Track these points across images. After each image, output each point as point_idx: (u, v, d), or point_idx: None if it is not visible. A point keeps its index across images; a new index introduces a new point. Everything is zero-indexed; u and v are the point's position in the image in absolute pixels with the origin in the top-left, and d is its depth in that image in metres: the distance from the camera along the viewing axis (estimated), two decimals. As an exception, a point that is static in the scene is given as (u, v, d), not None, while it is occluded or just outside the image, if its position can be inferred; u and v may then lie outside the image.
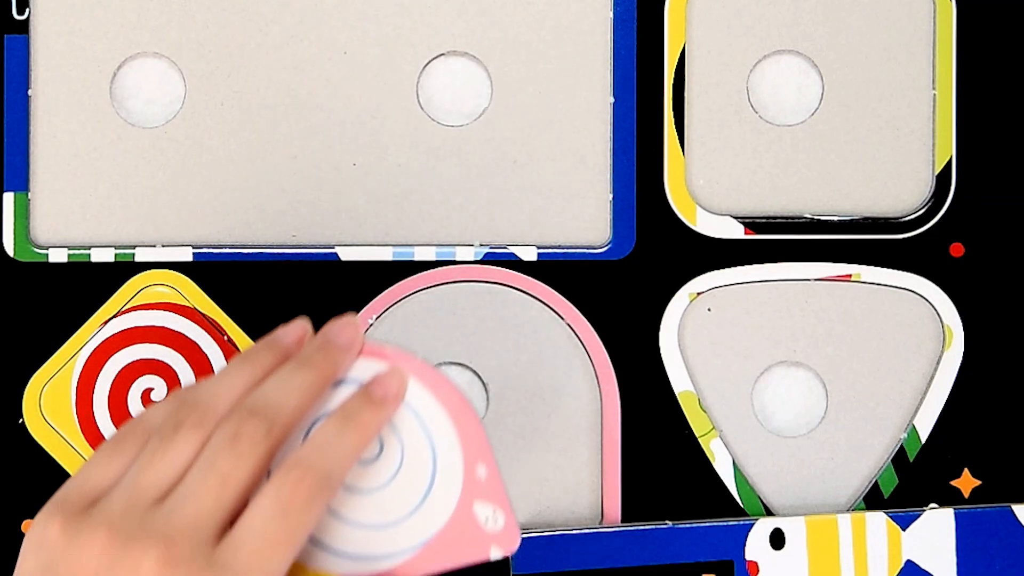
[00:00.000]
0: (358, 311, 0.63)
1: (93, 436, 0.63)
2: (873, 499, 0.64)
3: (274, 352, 0.54)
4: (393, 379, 0.54)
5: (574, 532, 0.62)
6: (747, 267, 0.64)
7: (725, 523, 0.63)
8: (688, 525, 0.63)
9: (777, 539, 0.63)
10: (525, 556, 0.62)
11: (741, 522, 0.63)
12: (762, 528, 0.63)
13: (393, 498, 0.56)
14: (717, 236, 0.64)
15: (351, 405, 0.53)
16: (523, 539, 0.62)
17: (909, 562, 0.63)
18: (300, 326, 0.55)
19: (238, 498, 0.50)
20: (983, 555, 0.63)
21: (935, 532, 0.63)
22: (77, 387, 0.63)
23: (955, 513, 0.63)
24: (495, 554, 0.57)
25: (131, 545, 0.49)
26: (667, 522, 0.63)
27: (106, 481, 0.52)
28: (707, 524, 0.63)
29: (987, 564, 0.63)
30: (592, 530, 0.62)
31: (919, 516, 0.63)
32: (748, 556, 0.62)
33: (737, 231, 0.64)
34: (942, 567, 0.63)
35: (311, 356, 0.54)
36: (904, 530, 0.63)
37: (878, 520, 0.63)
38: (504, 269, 0.64)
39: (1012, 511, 0.63)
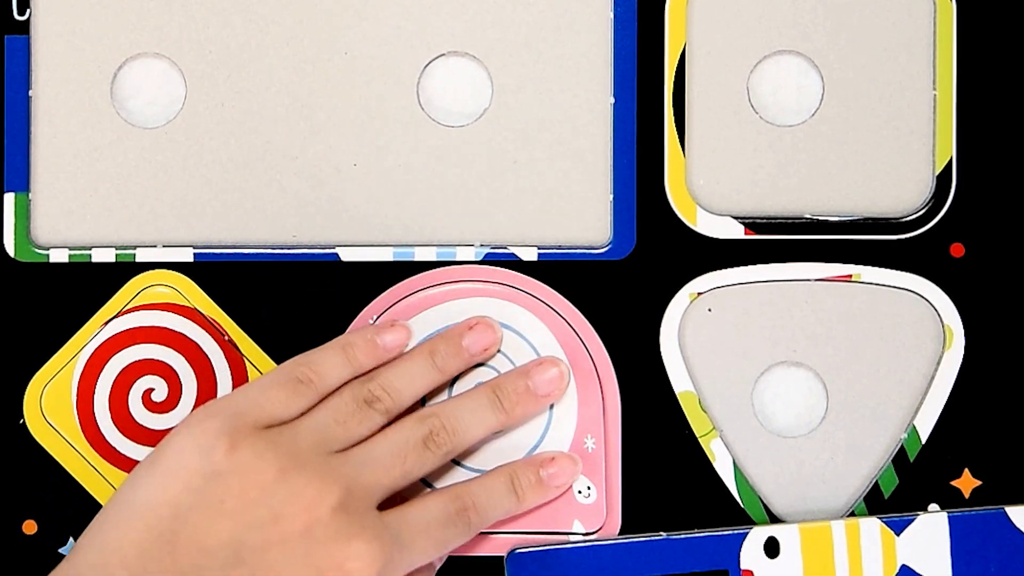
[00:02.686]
0: (358, 311, 0.63)
1: (94, 436, 0.63)
2: (873, 499, 0.64)
3: (460, 358, 0.61)
4: (568, 471, 0.62)
5: (569, 546, 0.62)
6: (747, 267, 0.64)
7: (720, 532, 0.63)
8: (682, 536, 0.63)
9: (772, 547, 0.63)
10: (520, 569, 0.62)
11: (736, 531, 0.63)
12: (757, 536, 0.63)
13: (500, 448, 0.62)
14: (717, 236, 0.64)
15: (527, 477, 0.61)
16: (517, 553, 0.62)
17: (904, 567, 0.63)
18: (488, 335, 0.62)
19: (408, 484, 0.59)
20: (978, 558, 0.63)
21: (929, 536, 0.63)
22: (78, 387, 0.63)
23: (949, 517, 0.63)
24: (578, 527, 0.61)
25: (315, 482, 0.55)
26: (661, 533, 0.63)
27: (282, 415, 0.57)
28: (701, 534, 0.63)
29: (982, 567, 0.63)
30: (587, 543, 0.63)
31: (913, 521, 0.63)
32: (743, 565, 0.62)
33: (737, 231, 0.64)
34: (937, 571, 0.63)
35: (509, 397, 0.61)
36: (898, 535, 0.63)
37: (872, 526, 0.63)
38: (504, 269, 0.64)
39: (1006, 513, 0.63)
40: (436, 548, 0.58)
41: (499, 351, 0.63)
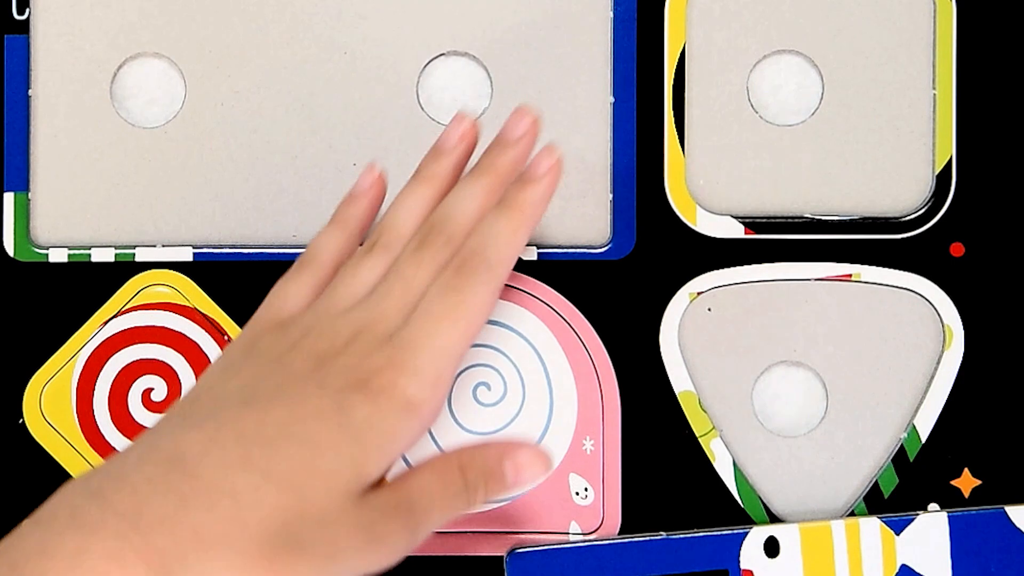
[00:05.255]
0: (358, 311, 0.63)
1: (93, 436, 0.63)
2: (873, 499, 0.64)
3: (447, 162, 0.59)
4: (545, 158, 0.58)
5: (569, 546, 0.62)
6: (747, 267, 0.64)
7: (719, 532, 0.63)
8: (682, 536, 0.62)
9: (772, 547, 0.63)
10: (520, 569, 0.62)
11: (735, 531, 0.63)
12: (756, 536, 0.63)
13: None
14: (717, 236, 0.64)
15: (508, 193, 0.57)
16: (517, 552, 0.62)
17: (904, 566, 0.63)
18: (464, 123, 0.59)
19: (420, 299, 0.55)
20: (978, 557, 0.63)
21: (929, 536, 0.63)
22: (77, 387, 0.63)
23: (949, 516, 0.63)
24: (574, 528, 0.61)
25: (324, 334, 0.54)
26: (661, 533, 0.63)
27: (299, 304, 0.57)
28: (701, 534, 0.63)
29: (982, 566, 0.63)
30: (586, 543, 0.62)
31: (913, 521, 0.63)
32: (743, 565, 0.62)
33: (737, 231, 0.64)
34: (937, 571, 0.63)
35: (487, 162, 0.58)
36: (898, 535, 0.63)
37: (872, 525, 0.63)
38: (504, 269, 0.64)
39: (1006, 513, 0.63)
40: (456, 321, 0.55)
41: (499, 351, 0.63)
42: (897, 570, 0.63)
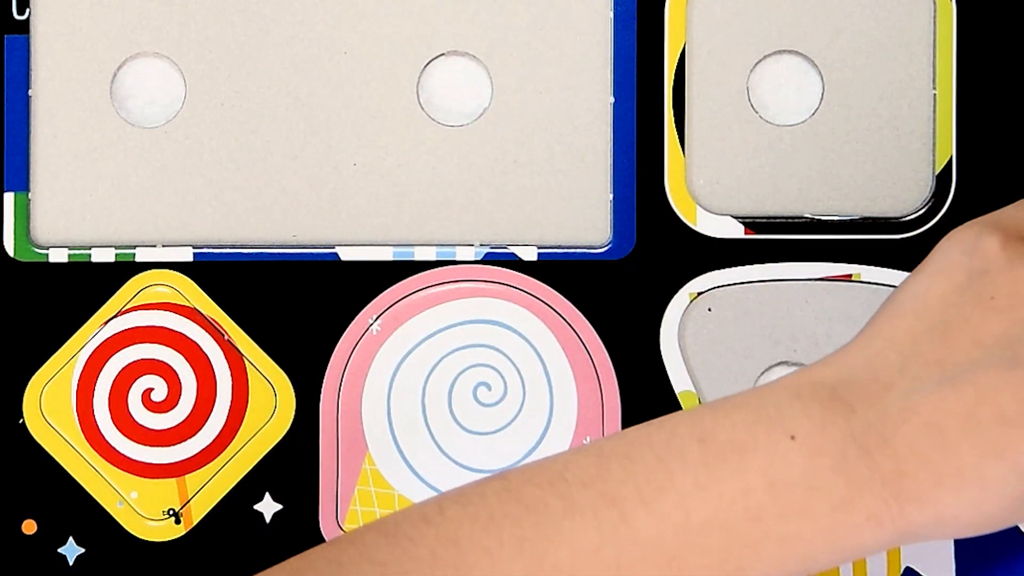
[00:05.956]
0: (358, 311, 0.63)
1: (93, 436, 0.63)
2: (873, 499, 0.64)
3: None
4: None
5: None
6: (747, 267, 0.64)
7: (724, 524, 0.63)
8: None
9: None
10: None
11: (741, 522, 0.63)
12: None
13: (498, 446, 0.61)
14: (717, 236, 0.64)
15: None
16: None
17: (908, 569, 0.63)
18: None
19: None
20: (982, 560, 0.63)
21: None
22: (77, 387, 0.63)
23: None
24: None
25: None
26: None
27: None
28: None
29: (986, 569, 0.63)
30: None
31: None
32: (745, 558, 0.62)
33: (737, 231, 0.64)
34: (941, 573, 0.63)
35: None
36: (902, 535, 0.63)
37: (877, 522, 0.63)
38: (504, 269, 0.64)
39: (1011, 513, 0.63)
40: None
41: (499, 351, 0.63)
42: (901, 572, 0.63)
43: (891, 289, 0.64)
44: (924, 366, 0.51)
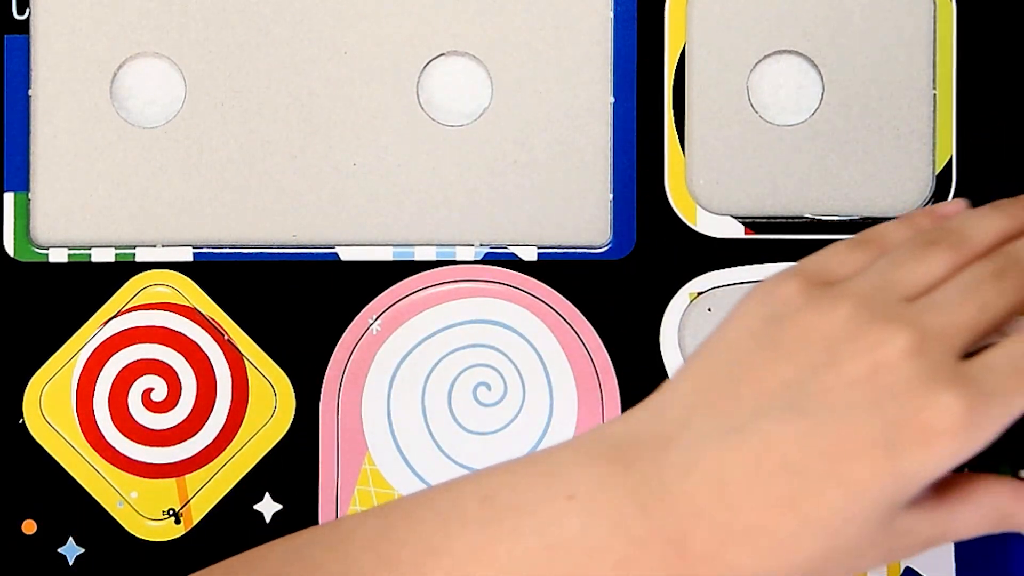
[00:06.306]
0: (358, 311, 0.63)
1: (93, 436, 0.63)
2: (873, 499, 0.64)
3: None
4: None
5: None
6: (747, 267, 0.64)
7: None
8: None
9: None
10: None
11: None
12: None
13: (498, 446, 0.61)
14: (717, 236, 0.64)
15: None
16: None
17: (908, 569, 0.63)
18: None
19: (988, 330, 0.50)
20: (982, 560, 0.63)
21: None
22: (77, 387, 0.63)
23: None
24: None
25: (880, 323, 0.48)
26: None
27: (845, 269, 0.51)
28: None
29: (986, 569, 0.63)
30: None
31: (918, 518, 0.63)
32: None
33: (737, 231, 0.64)
34: (941, 573, 0.63)
35: None
36: (902, 534, 0.63)
37: (877, 522, 0.63)
38: (504, 269, 0.64)
39: (1011, 513, 0.63)
40: None
41: (499, 351, 0.63)
42: (901, 572, 0.63)
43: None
44: (711, 417, 0.49)
